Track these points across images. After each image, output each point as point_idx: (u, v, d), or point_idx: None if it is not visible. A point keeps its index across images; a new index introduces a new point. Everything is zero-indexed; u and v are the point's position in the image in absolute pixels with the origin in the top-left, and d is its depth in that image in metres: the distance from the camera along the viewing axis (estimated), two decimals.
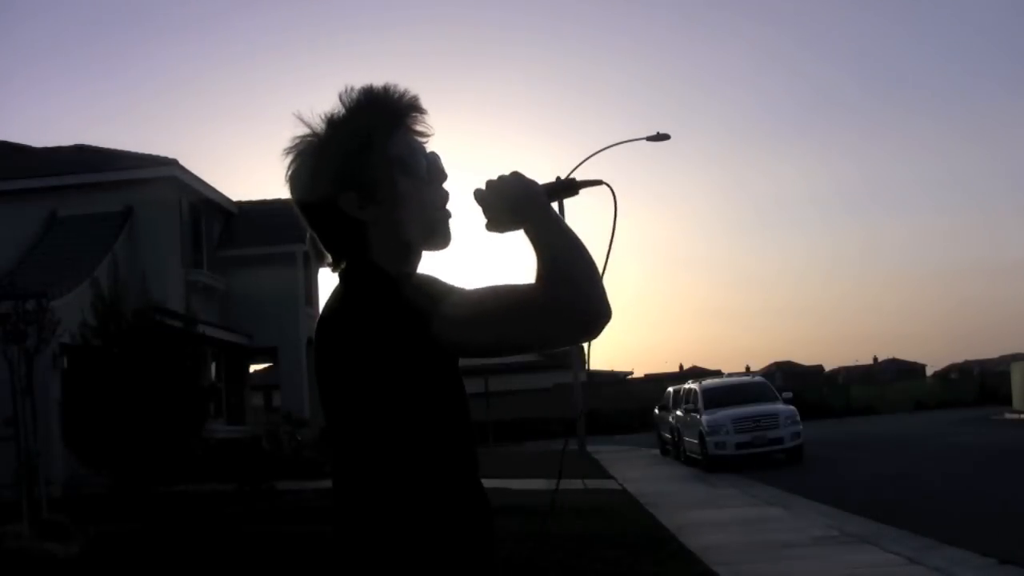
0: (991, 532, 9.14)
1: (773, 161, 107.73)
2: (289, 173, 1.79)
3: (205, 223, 23.77)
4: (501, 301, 1.63)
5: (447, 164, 1.83)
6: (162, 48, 72.72)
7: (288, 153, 1.79)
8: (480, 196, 1.75)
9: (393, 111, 1.77)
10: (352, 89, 1.76)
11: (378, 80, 1.78)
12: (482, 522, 1.72)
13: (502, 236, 1.76)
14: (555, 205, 1.77)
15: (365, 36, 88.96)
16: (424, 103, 1.79)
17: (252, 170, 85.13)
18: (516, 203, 1.71)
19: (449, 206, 1.82)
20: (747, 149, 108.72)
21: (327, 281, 27.97)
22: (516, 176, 1.74)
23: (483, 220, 1.76)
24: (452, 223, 1.82)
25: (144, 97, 76.66)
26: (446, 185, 1.82)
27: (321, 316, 1.77)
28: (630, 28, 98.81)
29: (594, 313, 1.61)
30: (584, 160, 27.99)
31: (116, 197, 20.98)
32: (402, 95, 1.77)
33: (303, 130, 1.78)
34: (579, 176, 1.87)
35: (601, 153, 28.45)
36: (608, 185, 1.82)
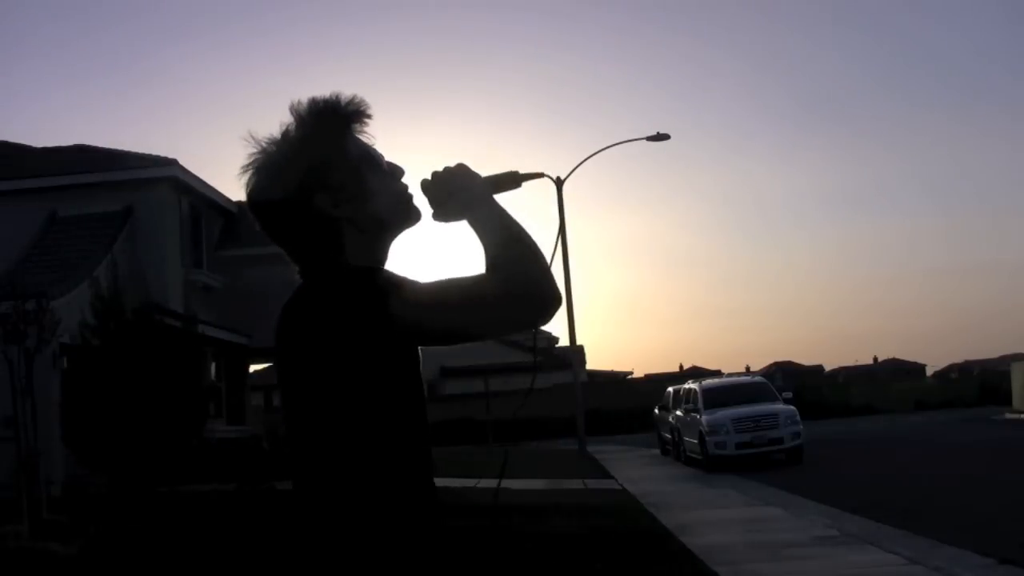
0: (991, 532, 9.14)
1: (773, 161, 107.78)
2: (252, 186, 1.81)
3: (205, 223, 23.74)
4: (458, 288, 1.67)
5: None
6: (162, 48, 72.77)
7: (247, 169, 1.82)
8: (426, 186, 1.82)
9: (345, 115, 1.82)
10: (300, 102, 1.81)
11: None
12: (433, 521, 1.73)
13: (448, 225, 1.82)
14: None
15: (365, 37, 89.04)
16: (371, 108, 1.84)
17: None
18: (460, 194, 1.78)
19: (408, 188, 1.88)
20: (747, 149, 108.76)
21: None
22: (462, 168, 1.81)
23: (430, 211, 1.83)
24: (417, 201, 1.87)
25: (144, 97, 76.70)
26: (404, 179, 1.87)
27: (282, 308, 1.76)
28: (630, 28, 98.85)
29: (543, 297, 1.67)
30: (584, 160, 27.77)
31: (116, 197, 20.93)
32: (350, 100, 1.82)
33: (255, 148, 1.82)
34: (522, 170, 1.90)
35: (601, 153, 28.23)
36: (550, 176, 1.85)
